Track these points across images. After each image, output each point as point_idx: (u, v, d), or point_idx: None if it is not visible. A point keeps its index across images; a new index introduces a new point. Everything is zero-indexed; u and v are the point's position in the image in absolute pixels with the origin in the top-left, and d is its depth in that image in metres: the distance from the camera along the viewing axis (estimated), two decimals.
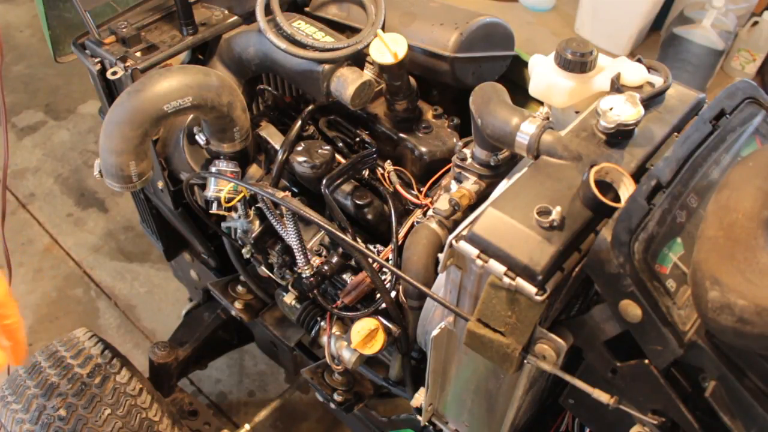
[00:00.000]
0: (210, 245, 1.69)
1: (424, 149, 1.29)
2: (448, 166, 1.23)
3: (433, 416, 1.26)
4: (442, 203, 1.12)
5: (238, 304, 1.68)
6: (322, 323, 1.39)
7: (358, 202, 1.28)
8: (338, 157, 1.32)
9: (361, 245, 1.20)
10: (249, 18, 1.38)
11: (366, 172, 1.32)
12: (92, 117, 3.16)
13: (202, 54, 1.43)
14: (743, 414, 0.78)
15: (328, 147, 1.28)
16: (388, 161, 1.31)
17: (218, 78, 1.20)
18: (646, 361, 0.83)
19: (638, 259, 0.76)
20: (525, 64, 1.39)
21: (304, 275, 1.28)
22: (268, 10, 1.27)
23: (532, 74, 1.07)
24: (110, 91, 1.38)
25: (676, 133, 0.96)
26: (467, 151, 1.14)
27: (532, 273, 0.79)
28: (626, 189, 0.84)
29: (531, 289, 0.79)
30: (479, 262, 0.82)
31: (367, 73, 1.29)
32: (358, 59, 1.30)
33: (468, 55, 1.31)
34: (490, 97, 1.00)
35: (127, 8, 1.40)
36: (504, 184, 1.04)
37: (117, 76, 1.28)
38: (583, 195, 0.83)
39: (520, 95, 1.27)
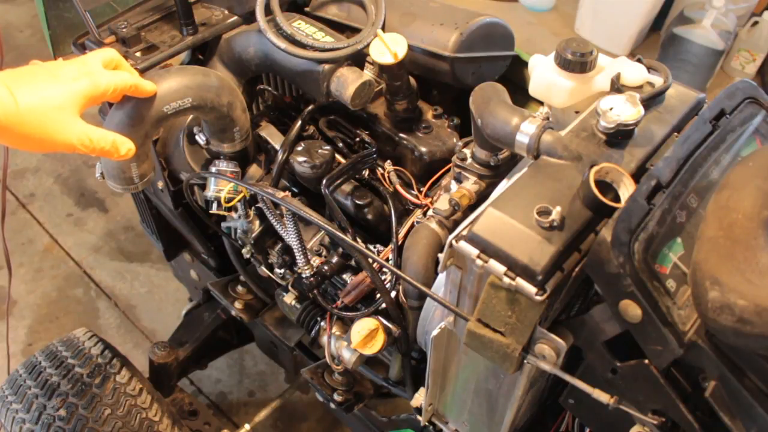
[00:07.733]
0: (210, 245, 1.69)
1: (424, 149, 1.29)
2: (448, 166, 1.22)
3: (433, 416, 1.25)
4: (442, 203, 1.12)
5: (238, 304, 1.68)
6: (322, 323, 1.39)
7: (358, 202, 1.28)
8: (338, 157, 1.32)
9: (361, 245, 1.20)
10: (249, 18, 1.38)
11: (366, 172, 1.32)
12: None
13: (202, 54, 1.42)
14: (743, 414, 0.78)
15: (328, 147, 1.28)
16: (388, 161, 1.31)
17: (218, 78, 1.20)
18: (646, 361, 0.83)
19: (638, 259, 0.76)
20: (525, 64, 1.39)
21: (304, 275, 1.28)
22: (268, 10, 1.27)
23: (532, 74, 1.07)
24: None
25: (676, 133, 0.95)
26: (467, 151, 1.14)
27: (532, 273, 0.78)
28: (626, 189, 0.84)
29: (531, 289, 0.79)
30: (479, 262, 0.82)
31: (367, 73, 1.29)
32: (358, 59, 1.30)
33: (468, 55, 1.31)
34: (490, 97, 1.00)
35: (127, 8, 1.40)
36: (504, 184, 1.04)
37: None
38: (583, 195, 0.83)
39: (520, 95, 1.27)
